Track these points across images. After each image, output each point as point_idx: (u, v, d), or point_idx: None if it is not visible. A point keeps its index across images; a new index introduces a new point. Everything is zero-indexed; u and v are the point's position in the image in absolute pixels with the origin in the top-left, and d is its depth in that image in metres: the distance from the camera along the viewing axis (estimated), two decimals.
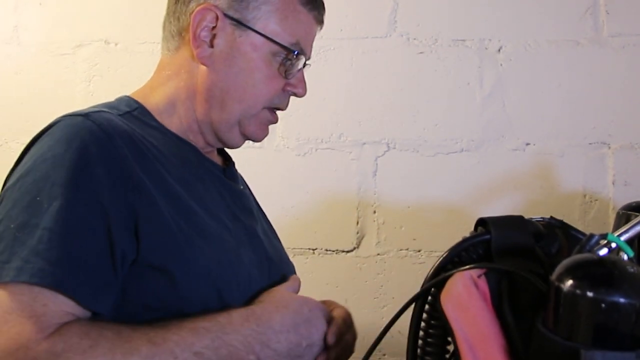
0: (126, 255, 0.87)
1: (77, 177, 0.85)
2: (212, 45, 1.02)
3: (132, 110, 1.02)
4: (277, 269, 1.07)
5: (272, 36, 1.01)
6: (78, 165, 0.86)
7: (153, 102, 1.04)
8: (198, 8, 1.01)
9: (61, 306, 0.81)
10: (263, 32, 1.01)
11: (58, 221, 0.83)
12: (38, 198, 0.84)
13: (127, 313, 0.87)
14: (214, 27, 1.01)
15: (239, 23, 1.01)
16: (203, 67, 1.02)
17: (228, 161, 1.17)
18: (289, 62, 1.03)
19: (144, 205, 0.89)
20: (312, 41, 1.10)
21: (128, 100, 1.05)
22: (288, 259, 1.16)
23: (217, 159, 1.13)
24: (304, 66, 1.07)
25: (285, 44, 1.02)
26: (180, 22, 1.04)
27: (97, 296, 0.84)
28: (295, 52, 1.03)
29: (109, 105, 1.03)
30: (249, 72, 1.02)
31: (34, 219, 0.83)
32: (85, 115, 0.92)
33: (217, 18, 1.01)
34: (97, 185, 0.86)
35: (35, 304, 0.80)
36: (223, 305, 0.92)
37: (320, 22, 1.09)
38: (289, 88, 1.06)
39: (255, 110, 1.04)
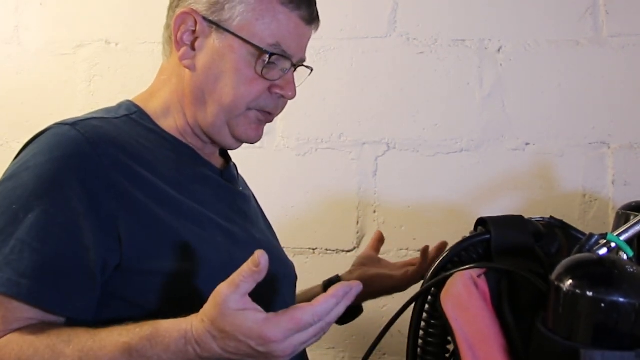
0: (108, 261, 0.89)
1: (54, 189, 0.88)
2: (194, 49, 1.02)
3: (130, 114, 1.04)
4: (274, 271, 1.06)
5: (248, 37, 1.00)
6: (56, 176, 0.89)
7: (152, 107, 1.06)
8: (178, 12, 1.02)
9: (23, 313, 0.85)
10: (239, 34, 1.00)
11: (31, 233, 0.86)
12: (14, 206, 0.87)
13: (114, 312, 0.90)
14: (194, 31, 1.02)
15: (217, 25, 1.01)
16: (187, 71, 1.03)
17: (228, 163, 1.17)
18: (268, 64, 1.01)
19: (128, 212, 0.90)
20: (302, 42, 1.06)
21: (128, 105, 1.07)
22: (287, 259, 1.15)
23: (218, 161, 1.13)
24: (295, 67, 1.05)
25: (262, 45, 1.00)
26: (170, 29, 1.05)
27: (68, 303, 0.87)
28: (269, 54, 1.00)
29: (107, 110, 1.06)
30: (228, 74, 1.01)
31: (10, 227, 0.86)
32: (72, 125, 0.94)
33: (196, 22, 1.01)
34: (74, 196, 0.88)
35: None
36: None
37: (309, 21, 1.05)
38: (276, 90, 1.03)
39: (238, 111, 1.03)
